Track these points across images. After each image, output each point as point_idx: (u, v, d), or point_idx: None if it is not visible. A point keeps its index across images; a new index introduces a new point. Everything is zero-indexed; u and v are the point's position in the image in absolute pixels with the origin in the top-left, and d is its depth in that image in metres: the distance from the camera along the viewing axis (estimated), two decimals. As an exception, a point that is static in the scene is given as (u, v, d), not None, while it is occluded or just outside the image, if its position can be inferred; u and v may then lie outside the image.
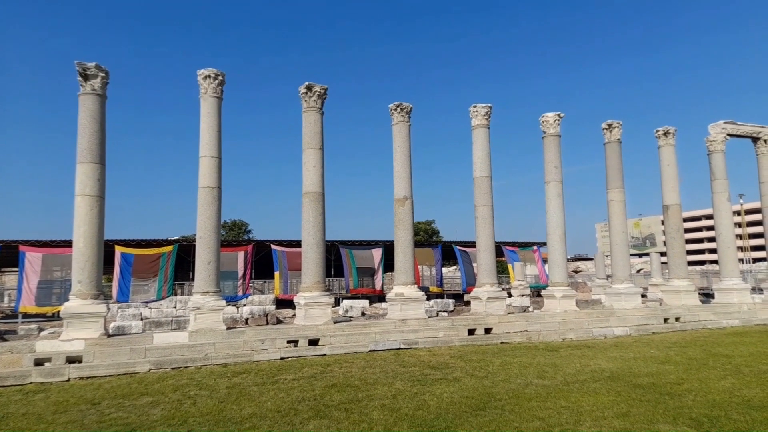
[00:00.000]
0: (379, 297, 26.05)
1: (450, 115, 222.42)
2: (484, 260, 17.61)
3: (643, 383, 9.40)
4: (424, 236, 70.22)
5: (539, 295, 22.91)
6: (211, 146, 14.29)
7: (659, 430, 6.62)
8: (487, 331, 15.58)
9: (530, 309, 19.18)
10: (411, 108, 17.24)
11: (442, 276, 31.11)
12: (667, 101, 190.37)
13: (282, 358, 12.75)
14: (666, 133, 21.52)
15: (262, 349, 12.89)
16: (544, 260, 26.80)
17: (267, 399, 8.67)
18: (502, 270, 36.35)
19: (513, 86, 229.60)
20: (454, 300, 21.44)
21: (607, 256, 30.52)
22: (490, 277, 17.38)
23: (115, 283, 21.21)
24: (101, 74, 13.39)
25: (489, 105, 18.34)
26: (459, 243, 30.55)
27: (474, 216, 18.12)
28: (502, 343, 15.02)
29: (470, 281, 26.12)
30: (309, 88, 15.68)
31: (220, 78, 14.60)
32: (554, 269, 18.74)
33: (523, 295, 24.61)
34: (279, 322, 15.58)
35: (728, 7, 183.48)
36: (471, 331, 15.38)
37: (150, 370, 11.56)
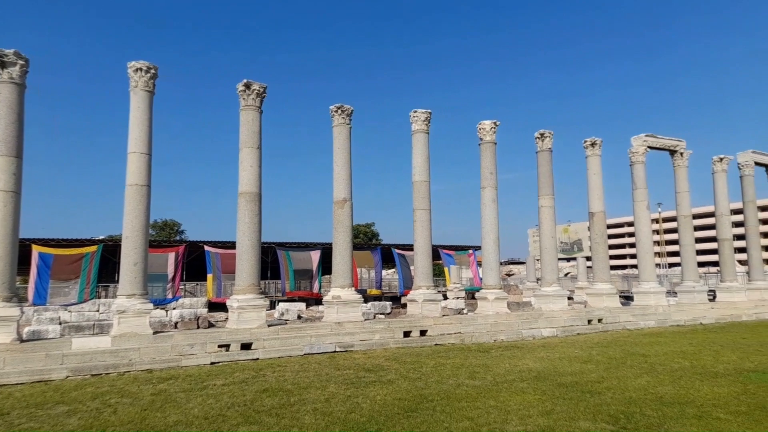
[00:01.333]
0: (317, 300, 25.79)
1: (393, 120, 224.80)
2: (420, 263, 17.85)
3: (567, 382, 9.83)
4: (364, 239, 70.38)
5: (474, 298, 23.51)
6: (141, 142, 13.65)
7: (580, 427, 6.94)
8: (423, 333, 15.79)
9: (465, 311, 19.63)
10: (352, 110, 17.24)
11: (381, 278, 31.27)
12: (597, 114, 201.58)
13: (212, 363, 12.35)
14: (593, 144, 22.69)
15: (191, 353, 12.43)
16: (479, 264, 27.53)
17: (194, 405, 8.35)
18: (438, 273, 37.05)
19: (453, 95, 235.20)
20: (391, 302, 21.59)
21: (537, 260, 31.79)
22: (427, 280, 17.65)
23: (31, 285, 19.81)
24: (21, 62, 12.52)
25: (428, 111, 18.66)
26: (398, 246, 30.82)
27: (412, 219, 18.36)
28: (436, 344, 15.26)
29: (407, 284, 26.38)
30: (247, 86, 15.32)
31: (153, 71, 13.99)
32: (488, 272, 19.29)
33: (458, 298, 25.14)
34: (211, 325, 15.09)
35: (658, 32, 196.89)
36: (407, 334, 15.53)
37: (67, 377, 10.86)
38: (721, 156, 26.65)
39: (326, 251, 24.43)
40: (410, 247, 19.61)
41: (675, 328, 19.80)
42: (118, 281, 15.45)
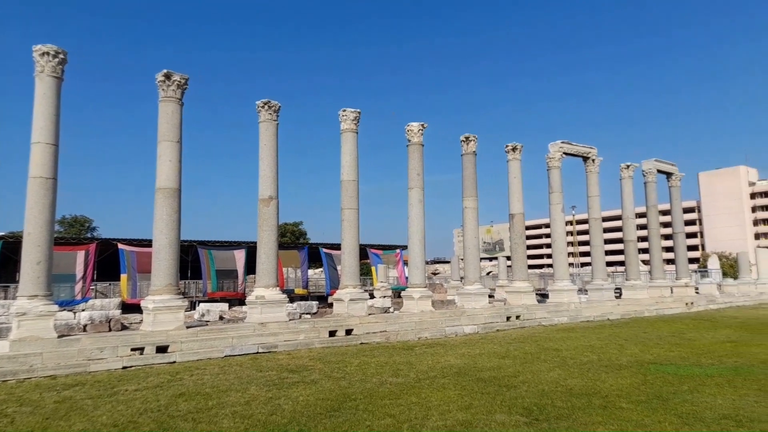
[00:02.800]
0: (240, 300, 25.10)
1: (323, 120, 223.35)
2: (347, 262, 17.84)
3: (486, 377, 10.19)
4: (291, 238, 69.34)
5: (400, 297, 23.82)
6: (47, 131, 12.64)
7: (496, 420, 7.20)
8: (348, 332, 15.78)
9: (391, 310, 19.84)
10: (279, 107, 16.91)
11: (307, 278, 30.93)
12: (520, 121, 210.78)
13: (124, 368, 11.67)
14: (514, 149, 23.68)
15: (100, 358, 11.67)
16: (406, 263, 27.96)
17: (102, 413, 7.85)
18: (366, 272, 37.15)
19: (383, 98, 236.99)
20: (318, 302, 21.41)
21: (462, 259, 32.71)
22: (353, 279, 17.66)
23: None
24: (61, 56, 12.18)
25: (358, 110, 18.68)
26: (326, 245, 30.63)
27: (340, 219, 18.31)
28: (362, 343, 15.31)
29: (334, 283, 26.29)
30: (167, 77, 14.62)
31: (61, 56, 13.00)
32: (413, 271, 19.62)
33: (384, 297, 25.36)
34: (124, 328, 14.25)
35: (587, 50, 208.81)
36: (332, 333, 15.46)
37: (-45, 387, 9.84)
38: (628, 163, 28.72)
39: (252, 250, 23.84)
40: (338, 247, 19.55)
41: (585, 323, 21.07)
42: (19, 281, 14.21)
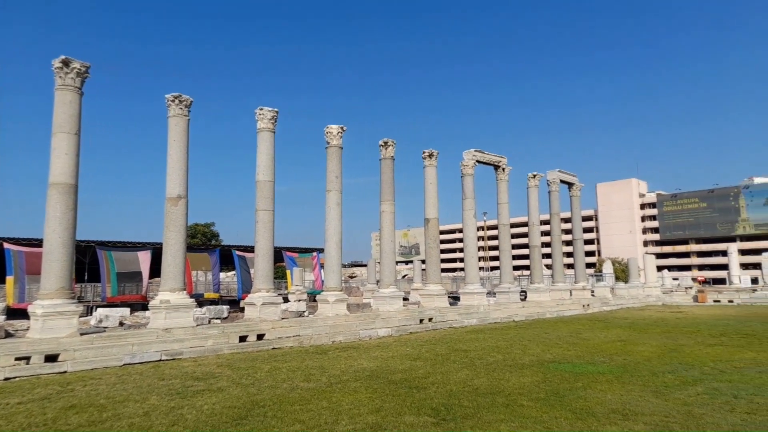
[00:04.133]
0: (144, 305, 23.67)
1: (240, 118, 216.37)
2: (261, 265, 17.39)
3: (397, 379, 10.32)
4: (203, 239, 66.59)
5: (315, 300, 23.59)
6: None
7: (405, 422, 7.30)
8: (260, 337, 15.37)
9: (306, 314, 19.58)
10: (191, 101, 16.19)
11: (219, 281, 29.80)
12: (438, 128, 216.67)
13: (7, 379, 10.59)
14: (430, 155, 24.30)
15: (-23, 370, 10.50)
16: (322, 266, 27.74)
17: (-25, 432, 7.05)
18: (281, 275, 36.46)
19: (302, 99, 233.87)
20: (229, 306, 20.66)
21: (378, 262, 33.04)
22: (267, 283, 17.25)
23: None
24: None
25: (275, 109, 18.31)
26: (239, 247, 29.69)
27: (255, 220, 17.83)
28: (274, 348, 14.96)
29: (247, 287, 25.53)
30: (66, 63, 13.50)
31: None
32: (329, 275, 19.52)
33: (300, 300, 24.97)
34: (9, 335, 12.94)
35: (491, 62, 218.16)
36: (243, 338, 14.98)
37: None
38: (535, 173, 30.45)
39: (158, 252, 22.57)
40: (252, 249, 19.00)
41: (493, 325, 22.01)
42: None
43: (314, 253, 32.93)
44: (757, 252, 63.82)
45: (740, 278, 45.41)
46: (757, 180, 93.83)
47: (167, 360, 12.89)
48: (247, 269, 26.25)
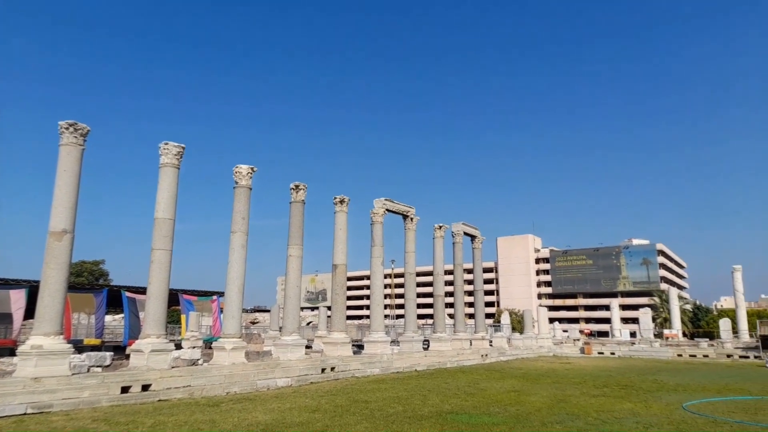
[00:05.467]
0: (12, 350, 21.03)
1: (141, 149, 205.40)
2: (153, 308, 16.22)
3: (293, 433, 9.87)
4: (89, 278, 61.26)
5: (211, 348, 22.27)
6: None
7: (298, 480, 6.94)
8: (146, 387, 14.12)
9: (200, 362, 18.36)
10: (88, 130, 15.19)
11: (103, 325, 27.27)
12: (351, 174, 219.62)
13: None
14: (342, 201, 24.45)
15: None
16: (222, 311, 26.39)
17: None
18: (176, 320, 34.23)
19: (210, 134, 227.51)
20: (113, 353, 18.87)
21: (282, 308, 32.08)
22: (157, 328, 16.06)
23: None
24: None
25: (182, 145, 17.65)
26: (130, 288, 27.57)
27: (150, 260, 16.72)
28: (160, 400, 13.79)
29: (134, 332, 23.58)
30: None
31: None
32: (228, 320, 18.59)
33: (194, 347, 23.49)
34: None
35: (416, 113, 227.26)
36: (125, 389, 13.68)
37: None
38: (440, 224, 31.59)
39: (35, 290, 20.34)
40: (146, 291, 17.69)
41: (396, 374, 21.95)
42: None
43: (214, 297, 31.33)
44: (635, 307, 70.00)
45: (621, 332, 49.26)
46: (636, 241, 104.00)
47: (34, 414, 11.44)
48: (136, 313, 24.33)
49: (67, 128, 14.73)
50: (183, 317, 28.72)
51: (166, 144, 17.38)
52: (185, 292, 30.11)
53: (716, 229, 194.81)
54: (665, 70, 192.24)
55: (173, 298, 24.69)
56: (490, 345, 34.58)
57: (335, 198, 24.51)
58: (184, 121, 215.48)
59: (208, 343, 26.92)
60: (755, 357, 35.42)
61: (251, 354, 20.24)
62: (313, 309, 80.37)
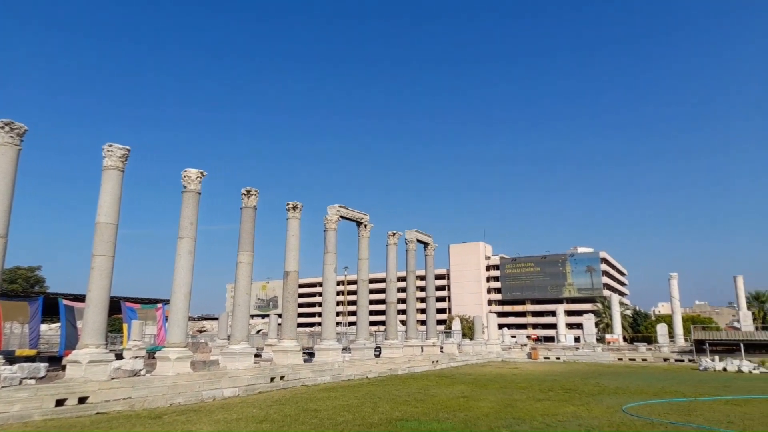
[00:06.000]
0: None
1: (82, 151, 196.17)
2: (92, 317, 15.48)
3: (239, 445, 9.63)
4: (24, 285, 57.94)
5: (154, 357, 21.49)
6: None
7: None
8: (82, 400, 13.44)
9: (143, 372, 17.69)
10: (25, 130, 14.45)
11: (38, 335, 25.81)
12: (305, 180, 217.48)
13: None
14: (295, 207, 24.19)
15: None
16: (168, 319, 25.52)
17: None
18: (117, 329, 32.85)
19: (159, 136, 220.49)
20: (48, 364, 17.88)
21: (231, 316, 31.33)
22: (96, 338, 15.34)
23: None
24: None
25: (127, 147, 17.01)
26: (68, 296, 26.25)
27: (90, 266, 15.98)
28: (98, 413, 13.17)
29: (71, 342, 22.45)
30: None
31: None
32: (174, 329, 17.99)
33: (136, 357, 22.61)
34: None
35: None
36: (60, 402, 12.97)
37: None
38: (394, 231, 31.77)
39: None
40: (85, 298, 16.89)
41: (346, 382, 21.83)
42: None
43: (159, 305, 30.24)
44: (580, 313, 72.59)
45: (566, 337, 50.97)
46: (581, 249, 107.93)
47: (-46, 432, 10.67)
48: (74, 322, 23.18)
49: (2, 127, 13.94)
50: (125, 326, 27.57)
51: (111, 146, 16.71)
52: (128, 299, 28.93)
53: (655, 238, 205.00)
54: (606, 85, 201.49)
55: (115, 306, 23.74)
56: (441, 351, 34.95)
57: (288, 204, 24.24)
58: (130, 124, 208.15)
59: (151, 353, 25.93)
60: (689, 360, 37.40)
61: (197, 363, 19.64)
62: (263, 317, 78.91)
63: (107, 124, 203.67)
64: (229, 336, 28.34)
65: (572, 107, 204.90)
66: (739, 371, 29.68)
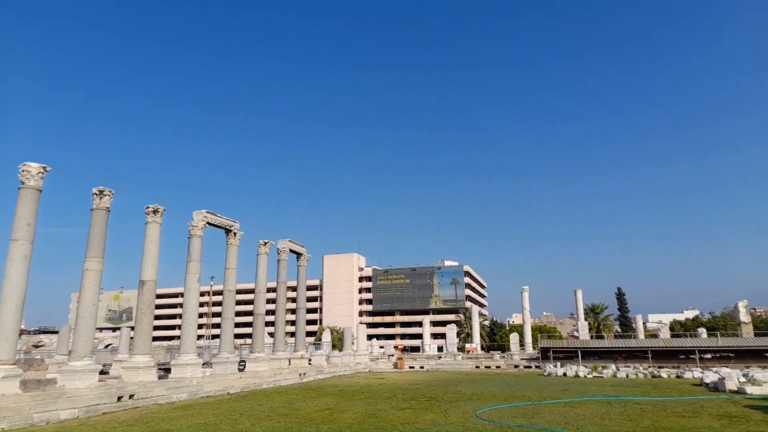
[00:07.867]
0: None
1: None
2: None
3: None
4: None
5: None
6: None
7: None
8: None
9: (-46, 396, 14.99)
10: None
11: None
12: (169, 181, 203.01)
13: None
14: (155, 211, 22.44)
15: None
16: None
17: None
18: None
19: None
20: None
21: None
22: None
23: None
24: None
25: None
26: None
27: None
28: None
29: None
30: None
31: None
32: (1, 343, 15.60)
33: (-51, 378, 19.19)
34: None
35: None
36: None
37: None
38: (266, 240, 30.90)
39: None
40: None
41: (205, 399, 20.58)
42: None
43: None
44: (445, 324, 76.48)
45: (431, 346, 53.36)
46: (447, 263, 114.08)
47: None
48: None
49: None
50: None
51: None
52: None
53: (511, 252, 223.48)
54: (473, 102, 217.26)
55: None
56: (309, 363, 34.55)
57: (147, 207, 22.42)
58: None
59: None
60: (536, 366, 41.10)
61: (30, 383, 17.23)
62: (114, 330, 71.89)
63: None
64: (70, 351, 25.32)
65: (445, 120, 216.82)
66: (577, 376, 33.24)
